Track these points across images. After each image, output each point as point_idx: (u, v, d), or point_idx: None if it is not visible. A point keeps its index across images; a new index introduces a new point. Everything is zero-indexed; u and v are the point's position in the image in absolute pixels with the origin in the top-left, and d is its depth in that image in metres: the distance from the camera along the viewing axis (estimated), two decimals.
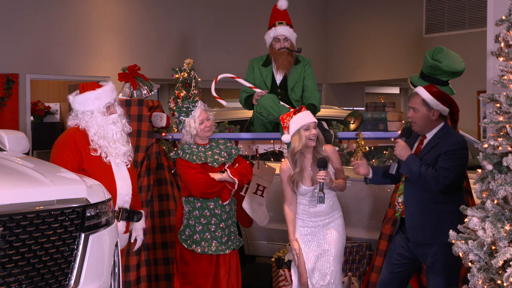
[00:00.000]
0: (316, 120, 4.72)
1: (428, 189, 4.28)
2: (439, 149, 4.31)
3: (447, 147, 4.28)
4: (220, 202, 4.93)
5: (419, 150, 4.44)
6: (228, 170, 4.92)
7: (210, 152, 4.96)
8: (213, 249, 4.91)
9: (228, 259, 5.00)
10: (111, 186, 4.37)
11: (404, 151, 4.35)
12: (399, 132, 4.79)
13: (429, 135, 4.43)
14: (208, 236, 4.91)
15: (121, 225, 4.50)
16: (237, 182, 4.92)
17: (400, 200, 4.48)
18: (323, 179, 4.53)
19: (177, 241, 4.97)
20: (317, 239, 4.71)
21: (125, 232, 4.59)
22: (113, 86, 4.65)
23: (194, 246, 4.89)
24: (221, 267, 4.96)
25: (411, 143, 4.52)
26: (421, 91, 4.43)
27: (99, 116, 4.49)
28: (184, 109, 4.98)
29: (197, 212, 4.91)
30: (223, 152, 5.00)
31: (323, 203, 4.57)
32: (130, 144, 4.64)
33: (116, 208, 4.47)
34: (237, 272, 5.08)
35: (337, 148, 4.90)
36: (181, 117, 4.97)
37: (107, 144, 4.47)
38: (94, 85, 4.58)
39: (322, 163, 4.59)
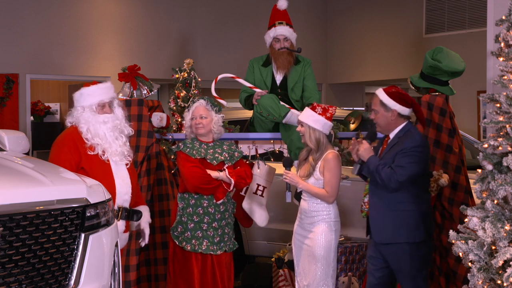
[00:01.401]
0: (301, 120, 4.71)
1: (387, 188, 4.32)
2: (396, 148, 4.38)
3: (403, 145, 4.35)
4: (214, 201, 4.93)
5: (383, 150, 4.49)
6: (226, 170, 4.93)
7: (211, 150, 4.98)
8: (203, 248, 4.90)
9: (221, 260, 4.99)
10: (110, 185, 4.37)
11: (366, 152, 4.42)
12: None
13: (391, 135, 4.50)
14: (200, 235, 4.91)
15: (120, 224, 4.49)
16: (233, 183, 4.92)
17: (366, 200, 4.52)
18: (285, 178, 4.66)
19: (170, 238, 4.97)
20: (304, 240, 4.71)
21: (125, 232, 4.59)
22: (111, 85, 4.63)
23: (185, 243, 4.89)
24: (215, 267, 4.95)
25: (378, 145, 4.58)
26: (379, 92, 4.50)
27: (88, 112, 4.48)
28: (190, 103, 5.07)
29: (190, 209, 4.91)
30: (224, 153, 5.01)
31: (286, 200, 4.71)
32: (129, 145, 4.63)
33: (116, 207, 4.47)
34: (229, 274, 5.06)
35: (337, 148, 4.89)
36: (186, 111, 5.08)
37: (101, 141, 4.46)
38: (92, 83, 4.60)
39: (285, 163, 4.73)
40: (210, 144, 5.02)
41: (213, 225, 4.95)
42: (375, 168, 4.32)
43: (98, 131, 4.46)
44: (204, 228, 4.92)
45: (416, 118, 4.69)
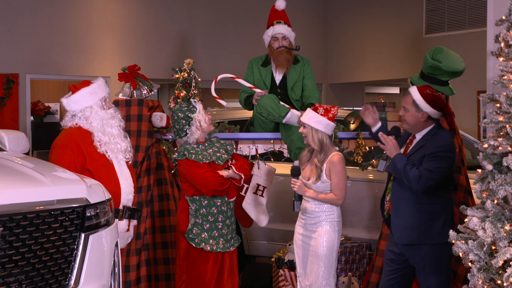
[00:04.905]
0: (304, 121, 4.68)
1: (412, 189, 4.30)
2: (425, 150, 4.35)
3: (431, 149, 4.31)
4: (227, 198, 4.95)
5: (408, 149, 4.46)
6: (233, 167, 4.95)
7: (210, 150, 4.97)
8: (220, 247, 4.92)
9: (233, 256, 5.02)
10: (115, 186, 4.38)
11: (394, 149, 4.39)
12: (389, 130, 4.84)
13: (418, 136, 4.46)
14: (216, 234, 4.92)
15: (123, 223, 4.50)
16: (243, 177, 4.95)
17: (388, 198, 4.50)
18: (293, 187, 4.65)
19: (182, 241, 4.92)
20: (307, 240, 4.71)
21: (127, 231, 4.59)
22: (104, 81, 4.69)
23: (203, 244, 4.88)
24: (227, 264, 4.97)
25: (401, 142, 4.55)
26: (414, 91, 4.45)
27: (98, 110, 4.50)
28: (185, 108, 4.96)
29: (204, 210, 4.91)
30: (221, 149, 5.02)
31: (294, 210, 4.68)
32: (129, 139, 4.64)
33: (121, 207, 4.47)
34: (236, 269, 5.09)
35: (337, 148, 4.88)
36: (188, 114, 4.92)
37: (108, 139, 4.47)
38: (86, 82, 4.60)
39: (293, 172, 4.70)
40: (205, 144, 5.01)
41: (226, 222, 4.97)
42: (402, 167, 4.28)
43: (107, 127, 4.48)
44: (220, 227, 4.94)
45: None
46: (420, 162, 4.30)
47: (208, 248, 4.89)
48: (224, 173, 4.90)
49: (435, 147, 4.31)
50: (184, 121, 4.93)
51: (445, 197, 4.42)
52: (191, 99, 5.08)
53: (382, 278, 4.60)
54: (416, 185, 4.25)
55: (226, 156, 5.01)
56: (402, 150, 4.48)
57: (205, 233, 4.90)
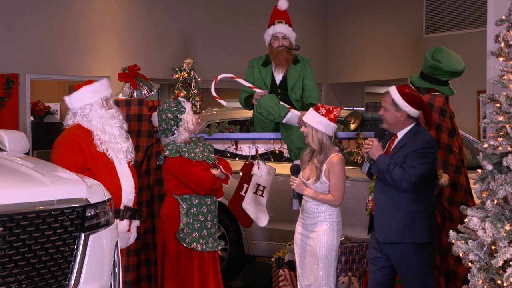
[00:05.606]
0: (305, 121, 4.67)
1: (397, 188, 4.32)
2: (407, 148, 4.37)
3: (415, 146, 4.35)
4: (215, 197, 4.96)
5: (390, 149, 4.48)
6: (221, 166, 4.97)
7: (198, 150, 4.96)
8: (210, 246, 4.92)
9: (217, 255, 5.06)
10: (116, 185, 4.37)
11: (377, 151, 4.41)
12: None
13: (399, 135, 4.49)
14: (205, 233, 4.93)
15: (124, 223, 4.49)
16: (230, 177, 4.99)
17: (370, 197, 4.52)
18: (292, 185, 4.64)
19: (172, 240, 4.89)
20: (306, 240, 4.70)
21: (128, 231, 4.59)
22: (108, 82, 4.69)
23: (195, 244, 4.88)
24: (217, 263, 5.00)
25: (383, 143, 4.56)
26: (393, 91, 4.48)
27: (98, 108, 4.50)
28: (174, 108, 4.93)
29: (194, 209, 4.91)
30: (205, 149, 5.03)
31: (293, 208, 4.67)
32: (130, 140, 4.64)
33: (122, 207, 4.47)
34: (218, 269, 5.13)
35: (337, 148, 4.88)
36: (177, 115, 4.89)
37: (107, 138, 4.46)
38: (90, 81, 4.61)
39: (293, 170, 4.69)
40: (191, 144, 5.01)
41: (214, 221, 4.99)
42: (385, 167, 4.31)
43: (107, 127, 4.47)
44: (209, 226, 4.95)
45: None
46: (403, 161, 4.33)
47: (199, 248, 4.89)
48: (214, 172, 4.91)
49: (418, 144, 4.34)
50: (172, 122, 4.88)
51: (427, 197, 4.45)
52: (179, 99, 5.04)
53: (369, 277, 4.61)
54: (400, 182, 4.27)
55: (213, 155, 5.02)
56: (384, 150, 4.50)
57: (196, 233, 4.90)
